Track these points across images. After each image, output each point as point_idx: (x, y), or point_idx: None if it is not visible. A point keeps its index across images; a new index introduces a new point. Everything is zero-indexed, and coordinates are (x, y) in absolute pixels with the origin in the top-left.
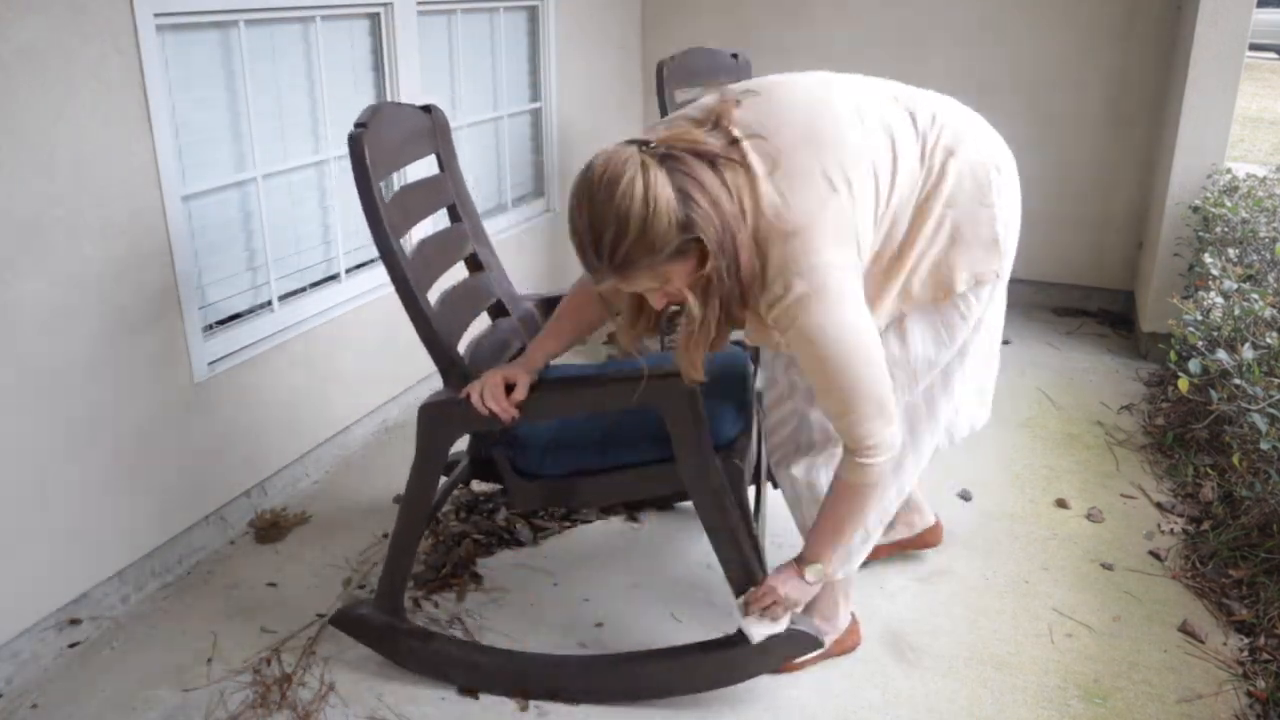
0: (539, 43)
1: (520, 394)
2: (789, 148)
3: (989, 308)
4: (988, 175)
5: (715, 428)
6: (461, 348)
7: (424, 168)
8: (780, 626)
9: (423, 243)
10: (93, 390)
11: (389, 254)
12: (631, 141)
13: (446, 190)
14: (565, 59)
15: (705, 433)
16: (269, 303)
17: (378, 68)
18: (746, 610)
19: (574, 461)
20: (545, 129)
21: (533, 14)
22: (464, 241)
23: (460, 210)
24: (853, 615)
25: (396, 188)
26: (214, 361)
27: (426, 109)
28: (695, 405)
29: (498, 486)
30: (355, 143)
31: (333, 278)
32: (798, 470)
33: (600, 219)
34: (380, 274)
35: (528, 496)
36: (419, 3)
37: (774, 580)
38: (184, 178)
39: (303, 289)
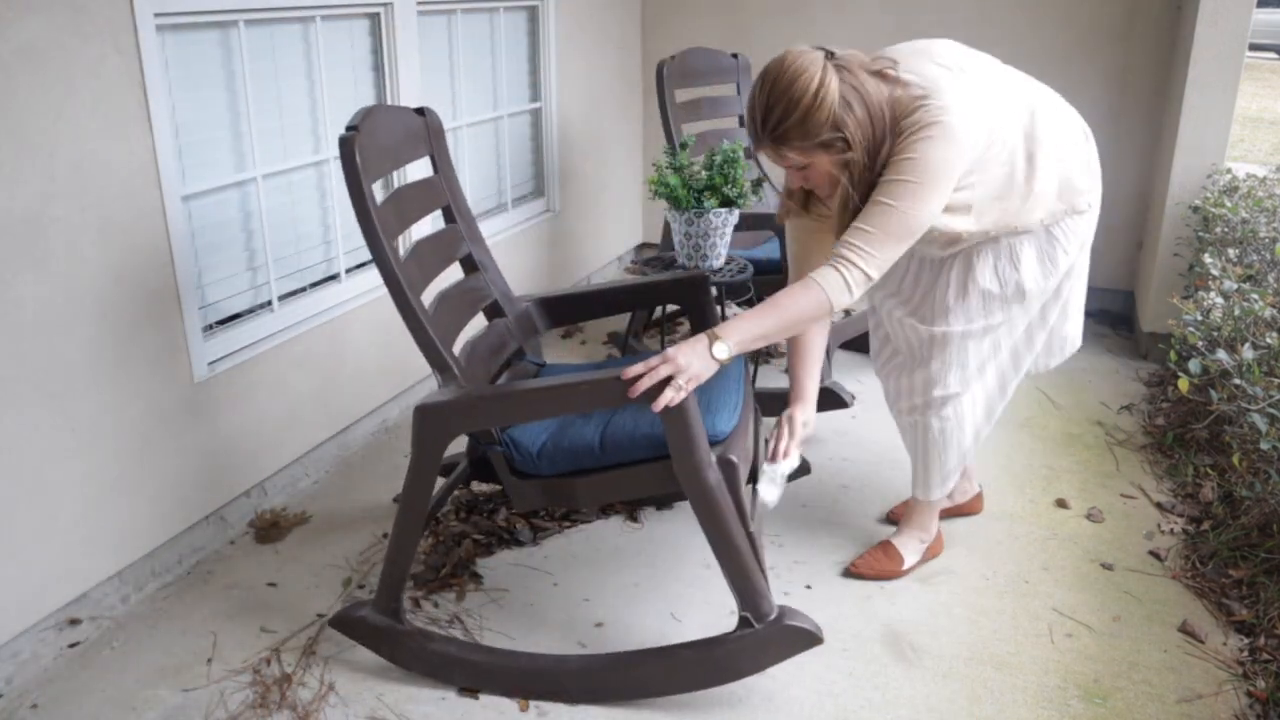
0: (539, 43)
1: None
2: (904, 56)
3: (1083, 248)
4: (1080, 133)
5: (710, 423)
6: (458, 347)
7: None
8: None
9: (418, 244)
10: (93, 390)
11: (381, 256)
12: (820, 48)
13: (441, 192)
14: (565, 59)
15: (700, 429)
16: (269, 303)
17: (378, 68)
18: (636, 377)
19: (570, 461)
20: (545, 129)
21: (533, 14)
22: (459, 243)
23: (455, 212)
24: (939, 529)
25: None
26: (214, 361)
27: (420, 111)
28: (689, 402)
29: (498, 487)
30: (346, 145)
31: (333, 278)
32: (917, 417)
33: (776, 98)
34: (379, 274)
35: (525, 496)
36: (419, 3)
37: (676, 349)
38: (184, 178)
39: (303, 289)
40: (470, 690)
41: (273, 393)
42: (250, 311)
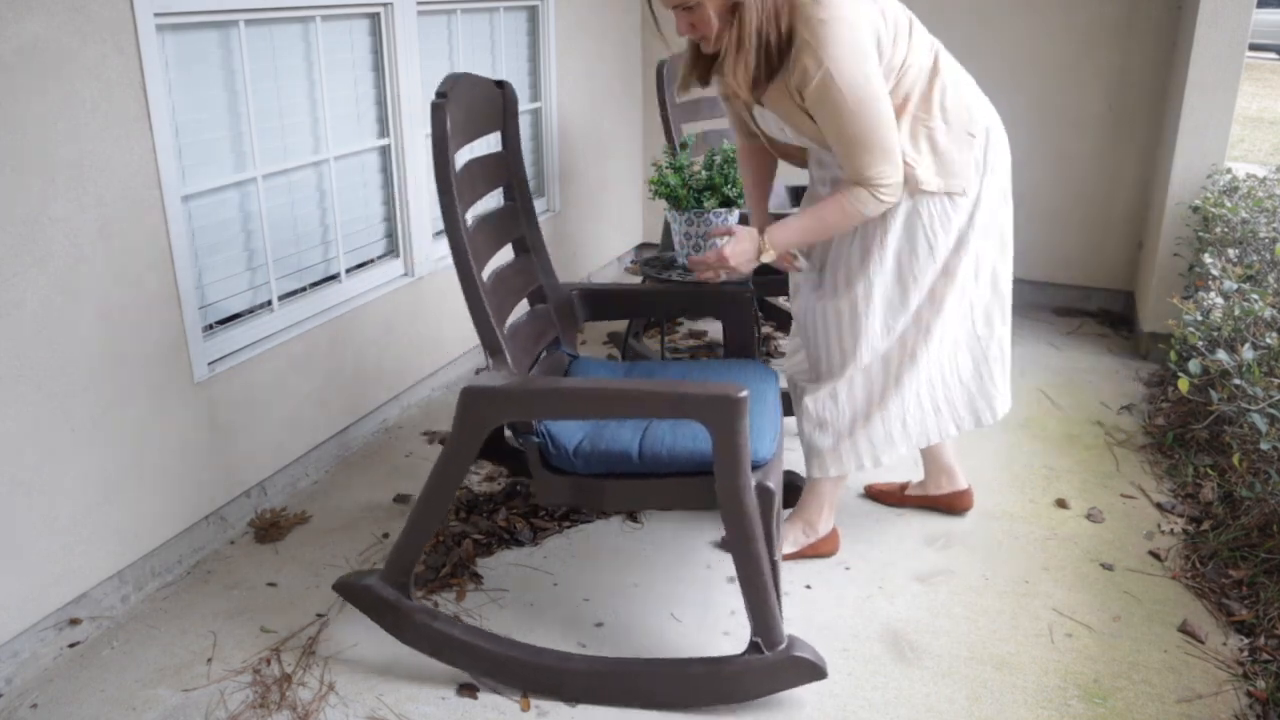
0: (539, 43)
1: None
2: None
3: (968, 245)
4: (971, 116)
5: (752, 447)
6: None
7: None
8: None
9: (481, 219)
10: (93, 389)
11: (454, 226)
12: None
13: (507, 169)
14: (565, 59)
15: (748, 451)
16: (269, 303)
17: (378, 68)
18: (690, 261)
19: (607, 463)
20: (545, 129)
21: (533, 14)
22: (517, 222)
23: (515, 190)
24: (834, 527)
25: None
26: (214, 361)
27: (500, 84)
28: (743, 424)
29: (499, 486)
30: (439, 112)
31: (333, 278)
32: (806, 399)
33: None
34: (379, 274)
35: (554, 491)
36: (419, 3)
37: (732, 250)
38: (184, 178)
39: (303, 289)
40: (470, 690)
41: (273, 393)
42: (250, 311)
